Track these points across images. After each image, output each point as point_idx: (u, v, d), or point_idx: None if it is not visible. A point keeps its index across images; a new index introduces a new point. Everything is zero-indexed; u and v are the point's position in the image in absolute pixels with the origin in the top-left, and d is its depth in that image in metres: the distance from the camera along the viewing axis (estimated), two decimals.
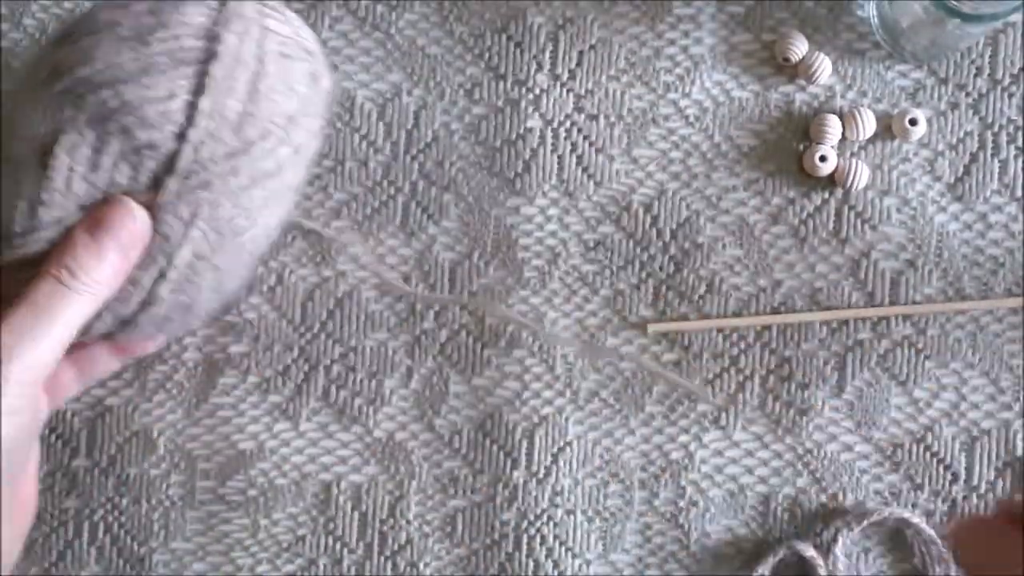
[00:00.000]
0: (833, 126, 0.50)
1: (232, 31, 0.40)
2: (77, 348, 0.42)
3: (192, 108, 0.39)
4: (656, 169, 0.51)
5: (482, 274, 0.50)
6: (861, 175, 0.50)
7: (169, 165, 0.39)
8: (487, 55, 0.51)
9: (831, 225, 0.50)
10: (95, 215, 0.39)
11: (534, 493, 0.50)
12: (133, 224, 0.39)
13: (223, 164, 0.39)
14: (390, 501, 0.50)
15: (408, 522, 0.50)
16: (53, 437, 0.50)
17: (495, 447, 0.50)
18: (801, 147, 0.51)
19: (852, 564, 0.50)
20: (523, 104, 0.50)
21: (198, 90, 0.39)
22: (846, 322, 0.50)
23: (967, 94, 0.51)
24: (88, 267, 0.38)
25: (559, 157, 0.50)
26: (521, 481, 0.50)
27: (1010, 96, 0.51)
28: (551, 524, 0.50)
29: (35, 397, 0.39)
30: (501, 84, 0.51)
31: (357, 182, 0.50)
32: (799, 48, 0.50)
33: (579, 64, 0.51)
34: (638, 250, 0.50)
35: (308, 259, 0.50)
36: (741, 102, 0.51)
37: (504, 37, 0.51)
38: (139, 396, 0.50)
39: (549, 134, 0.50)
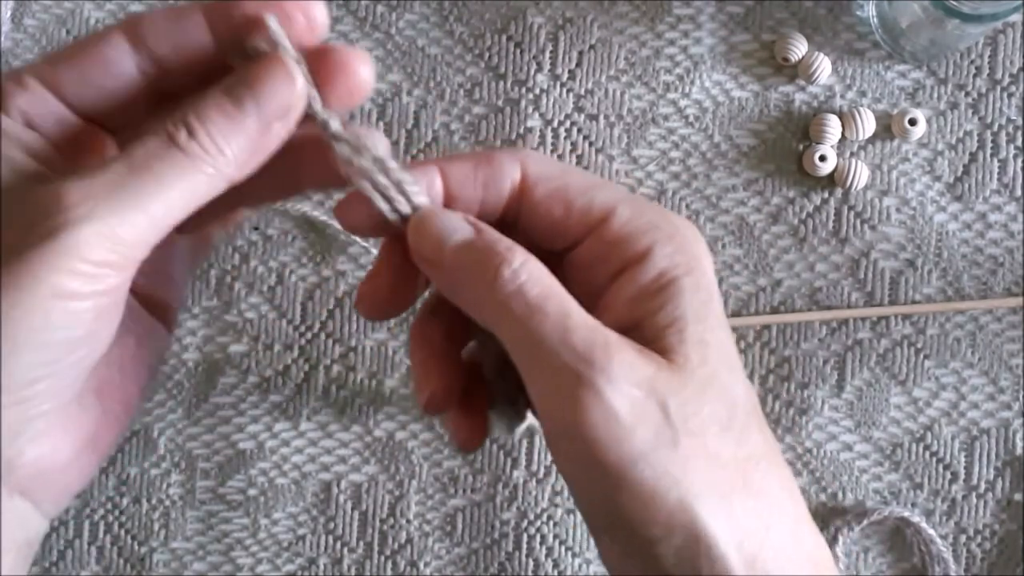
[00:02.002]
0: (833, 126, 0.50)
1: None
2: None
3: None
4: (656, 169, 0.51)
5: None
6: (861, 175, 0.50)
7: None
8: (487, 55, 0.51)
9: (831, 225, 0.50)
10: (241, 72, 0.30)
11: (534, 493, 0.50)
12: (290, 91, 0.30)
13: None
14: (390, 500, 0.50)
15: (408, 521, 0.50)
16: None
17: (495, 447, 0.50)
18: (801, 147, 0.51)
19: (852, 563, 0.50)
20: (523, 104, 0.50)
21: None
22: (846, 322, 0.50)
23: (966, 94, 0.51)
24: (217, 132, 0.29)
25: (559, 157, 0.50)
26: (521, 481, 0.50)
27: (1009, 96, 0.51)
28: (551, 523, 0.50)
29: (112, 283, 0.28)
30: (501, 84, 0.51)
31: None
32: (799, 48, 0.50)
33: (579, 64, 0.51)
34: None
35: (308, 259, 0.50)
36: (741, 102, 0.51)
37: (504, 37, 0.51)
38: None
39: (549, 134, 0.50)
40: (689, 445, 0.30)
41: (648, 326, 0.31)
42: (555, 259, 0.33)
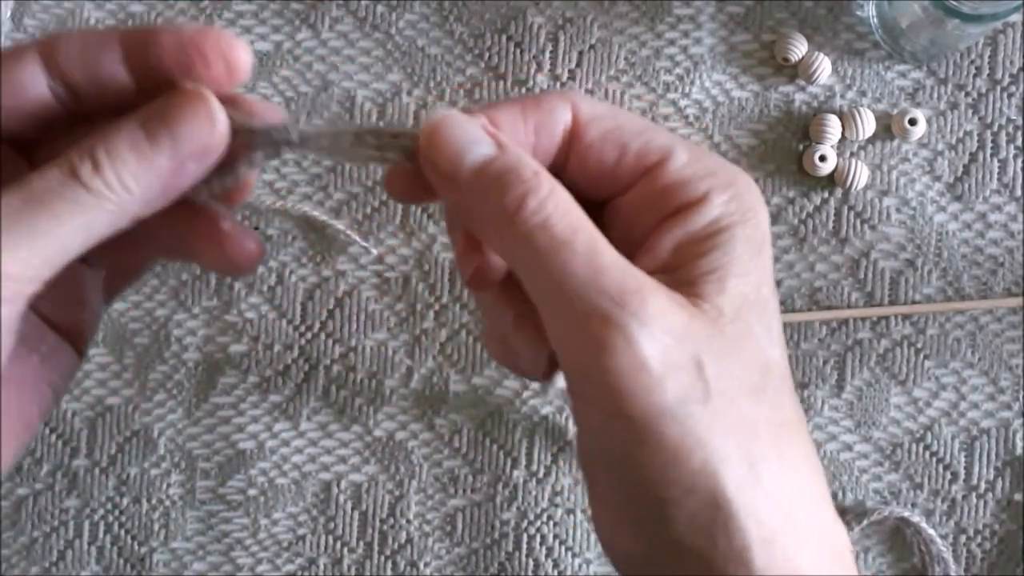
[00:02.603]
0: (833, 126, 0.50)
1: None
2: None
3: None
4: None
5: None
6: (860, 175, 0.50)
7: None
8: (487, 55, 0.51)
9: (831, 225, 0.50)
10: (159, 105, 0.28)
11: (534, 493, 0.50)
12: (211, 132, 0.28)
13: None
14: (390, 500, 0.50)
15: (408, 521, 0.50)
16: (53, 436, 0.50)
17: (495, 447, 0.50)
18: (801, 147, 0.51)
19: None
20: None
21: None
22: (846, 321, 0.50)
23: (966, 94, 0.51)
24: (125, 169, 0.27)
25: None
26: (521, 481, 0.50)
27: (1009, 96, 0.51)
28: (551, 523, 0.50)
29: (6, 318, 0.27)
30: (501, 84, 0.51)
31: (357, 182, 0.50)
32: (799, 48, 0.50)
33: (579, 64, 0.51)
34: None
35: (308, 259, 0.50)
36: (741, 102, 0.51)
37: (504, 37, 0.51)
38: (139, 396, 0.50)
39: None
40: (720, 404, 0.28)
41: (689, 270, 0.29)
42: (594, 209, 0.31)
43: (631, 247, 0.30)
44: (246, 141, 0.29)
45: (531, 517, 0.50)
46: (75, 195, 0.27)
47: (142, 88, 0.29)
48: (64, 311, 0.33)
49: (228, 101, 0.29)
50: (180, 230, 0.31)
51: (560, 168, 0.31)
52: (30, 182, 0.27)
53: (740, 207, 0.30)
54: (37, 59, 0.29)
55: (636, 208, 0.31)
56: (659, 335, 0.27)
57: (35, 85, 0.29)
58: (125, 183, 0.27)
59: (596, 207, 0.32)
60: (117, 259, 0.33)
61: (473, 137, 0.29)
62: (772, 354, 0.30)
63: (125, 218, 0.28)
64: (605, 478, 0.30)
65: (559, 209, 0.28)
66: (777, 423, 0.29)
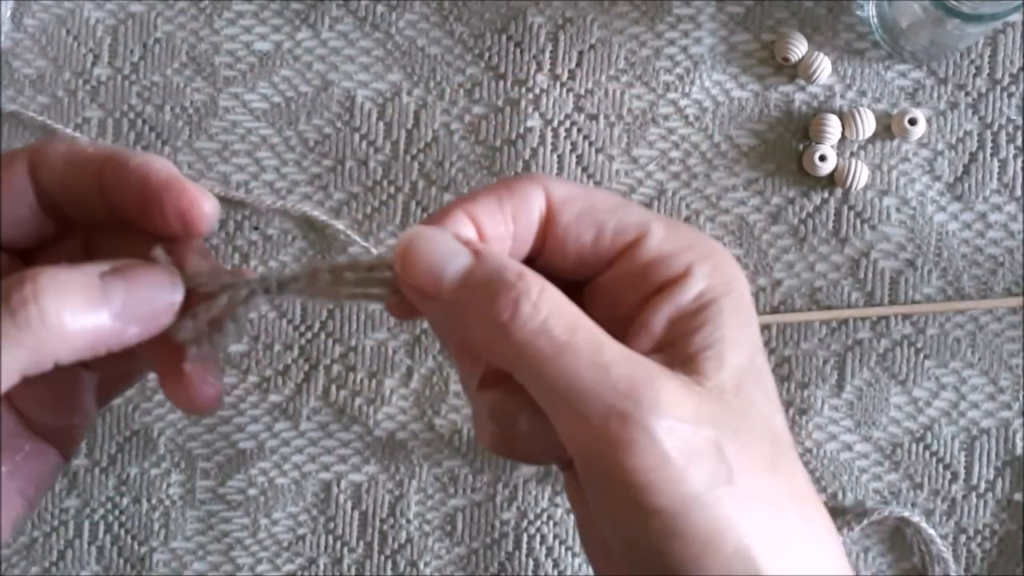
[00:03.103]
0: (833, 126, 0.50)
1: None
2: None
3: None
4: (656, 169, 0.51)
5: None
6: (860, 175, 0.50)
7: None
8: (487, 55, 0.51)
9: (831, 225, 0.50)
10: (125, 264, 0.28)
11: (534, 493, 0.50)
12: (161, 301, 0.28)
13: None
14: (390, 500, 0.50)
15: (408, 521, 0.50)
16: None
17: None
18: (801, 147, 0.51)
19: (852, 563, 0.50)
20: (523, 104, 0.50)
21: None
22: (845, 321, 0.50)
23: (966, 94, 0.51)
24: (67, 308, 0.26)
25: (559, 157, 0.50)
26: (521, 481, 0.50)
27: (1009, 96, 0.51)
28: (551, 523, 0.50)
29: None
30: (501, 84, 0.51)
31: (357, 182, 0.50)
32: (799, 48, 0.50)
33: (579, 64, 0.51)
34: None
35: (308, 258, 0.50)
36: (741, 102, 0.51)
37: (504, 37, 0.51)
38: (139, 395, 0.50)
39: (549, 134, 0.50)
40: (744, 482, 0.27)
41: (685, 346, 0.29)
42: (574, 289, 0.31)
43: (617, 326, 0.29)
44: (226, 298, 0.29)
45: (531, 517, 0.50)
46: (3, 327, 0.26)
47: (117, 211, 0.29)
48: (55, 414, 0.32)
49: (204, 256, 0.29)
50: (147, 358, 0.31)
51: (537, 253, 0.31)
52: None
53: (723, 278, 0.30)
54: (26, 170, 0.29)
55: (618, 287, 0.30)
56: (677, 425, 0.26)
57: (25, 195, 0.29)
58: (61, 327, 0.26)
59: (575, 288, 0.31)
60: (113, 366, 0.32)
61: (447, 249, 0.28)
62: (776, 422, 0.30)
63: (42, 364, 0.27)
64: (627, 569, 0.29)
65: (554, 309, 0.27)
66: (796, 494, 0.29)
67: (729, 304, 0.29)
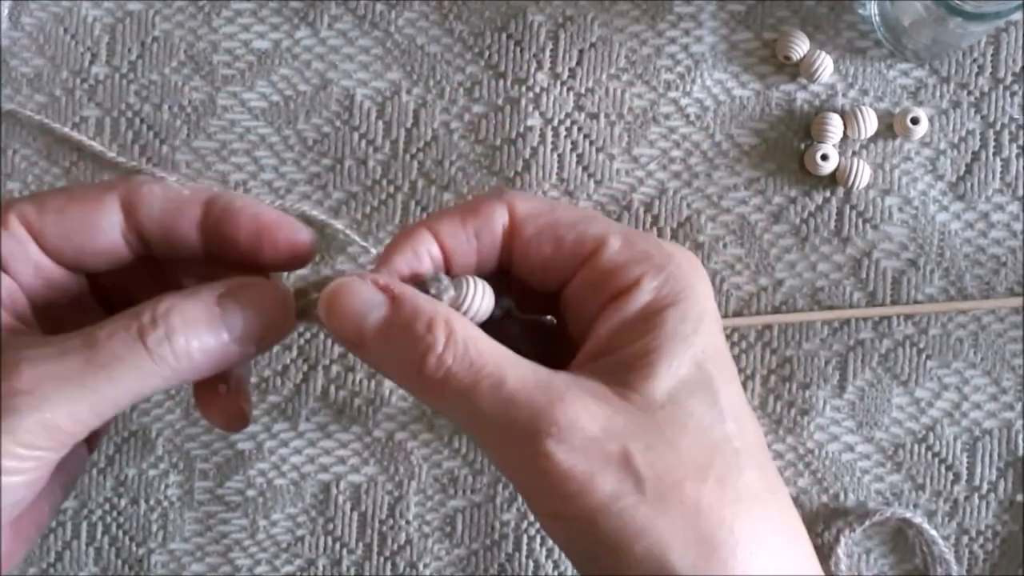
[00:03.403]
0: (834, 125, 0.49)
1: None
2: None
3: None
4: (657, 168, 0.50)
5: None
6: (863, 174, 0.50)
7: None
8: (487, 53, 0.50)
9: (832, 224, 0.50)
10: (237, 284, 0.30)
11: None
12: (276, 316, 0.30)
13: None
14: (389, 501, 0.50)
15: (408, 522, 0.50)
16: None
17: None
18: (802, 146, 0.50)
19: (854, 564, 0.50)
20: (523, 103, 0.50)
21: None
22: (847, 322, 0.50)
23: (969, 93, 0.51)
24: (195, 342, 0.29)
25: (559, 156, 0.50)
26: None
27: (1012, 95, 0.51)
28: None
29: (44, 465, 0.29)
30: (501, 83, 0.50)
31: (356, 181, 0.50)
32: (800, 46, 0.50)
33: (579, 63, 0.50)
34: None
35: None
36: (742, 101, 0.50)
37: (504, 35, 0.50)
38: None
39: (549, 133, 0.50)
40: (658, 490, 0.28)
41: (620, 356, 0.31)
42: (551, 300, 0.33)
43: (582, 333, 0.32)
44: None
45: (531, 518, 0.50)
46: (137, 359, 0.28)
47: (210, 251, 0.32)
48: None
49: None
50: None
51: (507, 264, 0.33)
52: (95, 340, 0.28)
53: (673, 288, 0.31)
54: (117, 205, 0.31)
55: (580, 296, 0.32)
56: (578, 442, 0.28)
57: (111, 230, 0.31)
58: (190, 353, 0.28)
59: (552, 296, 0.33)
60: None
61: (367, 300, 0.29)
62: (723, 429, 0.30)
63: (175, 383, 0.29)
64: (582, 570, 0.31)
65: (458, 357, 0.29)
66: (732, 500, 0.29)
67: (675, 315, 0.31)
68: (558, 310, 0.33)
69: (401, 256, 0.31)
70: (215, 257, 0.32)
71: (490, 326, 0.32)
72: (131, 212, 0.31)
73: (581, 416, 0.29)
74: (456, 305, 0.31)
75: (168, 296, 0.29)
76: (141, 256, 0.33)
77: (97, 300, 0.35)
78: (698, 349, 0.31)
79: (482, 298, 0.32)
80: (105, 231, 0.31)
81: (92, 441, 0.36)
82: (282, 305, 0.30)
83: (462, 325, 0.30)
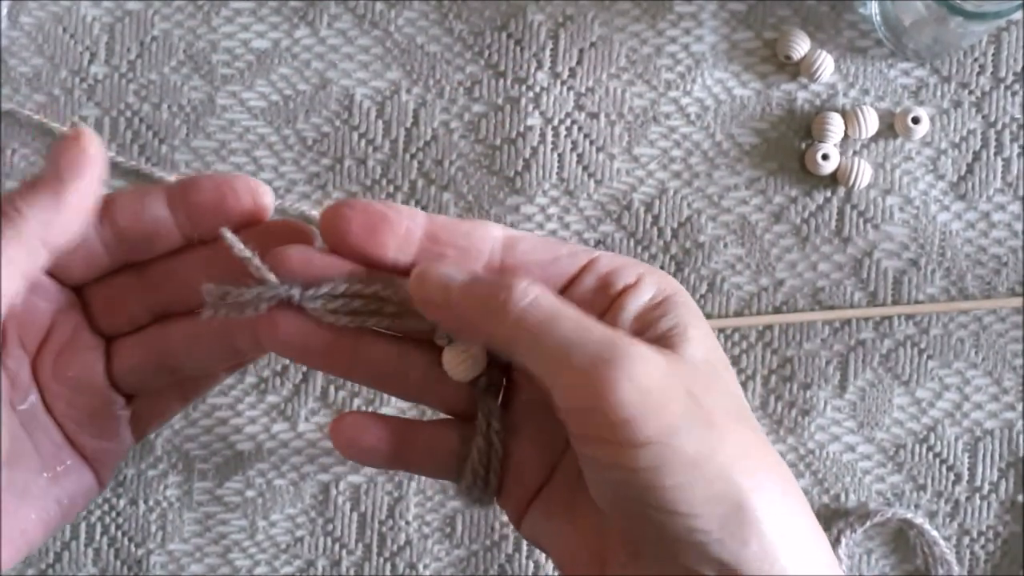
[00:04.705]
0: (835, 124, 0.49)
1: None
2: None
3: None
4: (657, 168, 0.50)
5: None
6: (863, 174, 0.49)
7: None
8: (487, 53, 0.50)
9: (833, 224, 0.50)
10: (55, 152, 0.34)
11: None
12: (75, 149, 0.33)
13: None
14: (389, 502, 0.50)
15: (407, 523, 0.50)
16: None
17: None
18: (803, 145, 0.50)
19: (855, 565, 0.50)
20: (523, 102, 0.50)
21: None
22: (848, 322, 0.50)
23: (970, 92, 0.50)
24: (26, 195, 0.33)
25: (559, 155, 0.50)
26: None
27: (1013, 94, 0.50)
28: None
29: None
30: (501, 82, 0.50)
31: (356, 181, 0.50)
32: (801, 46, 0.50)
33: (579, 62, 0.50)
34: (639, 249, 0.50)
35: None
36: (743, 100, 0.50)
37: (504, 35, 0.50)
38: None
39: (549, 132, 0.50)
40: (720, 424, 0.31)
41: (652, 332, 0.33)
42: None
43: None
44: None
45: None
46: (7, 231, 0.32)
47: (185, 235, 0.35)
48: (92, 434, 0.37)
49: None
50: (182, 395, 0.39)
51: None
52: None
53: (668, 284, 0.34)
54: (95, 212, 0.34)
55: (587, 298, 0.34)
56: (651, 369, 0.30)
57: (88, 237, 0.35)
58: (23, 204, 0.32)
59: None
60: (148, 399, 0.38)
61: (452, 271, 0.33)
62: (737, 390, 0.34)
63: (34, 250, 0.33)
64: (628, 516, 0.31)
65: (541, 292, 0.32)
66: (763, 445, 0.32)
67: (681, 300, 0.34)
68: None
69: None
70: (195, 243, 0.36)
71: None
72: (106, 212, 0.35)
73: (648, 352, 0.30)
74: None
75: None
76: (124, 264, 0.36)
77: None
78: (706, 329, 0.34)
79: (477, 357, 0.35)
80: (85, 241, 0.34)
81: (101, 473, 0.38)
82: (77, 138, 0.33)
83: (539, 283, 0.33)
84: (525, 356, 0.31)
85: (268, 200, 0.35)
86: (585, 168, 0.50)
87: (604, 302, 0.34)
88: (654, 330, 0.33)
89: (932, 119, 0.50)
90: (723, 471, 0.30)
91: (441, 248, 0.34)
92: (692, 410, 0.30)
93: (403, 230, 0.34)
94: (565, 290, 0.34)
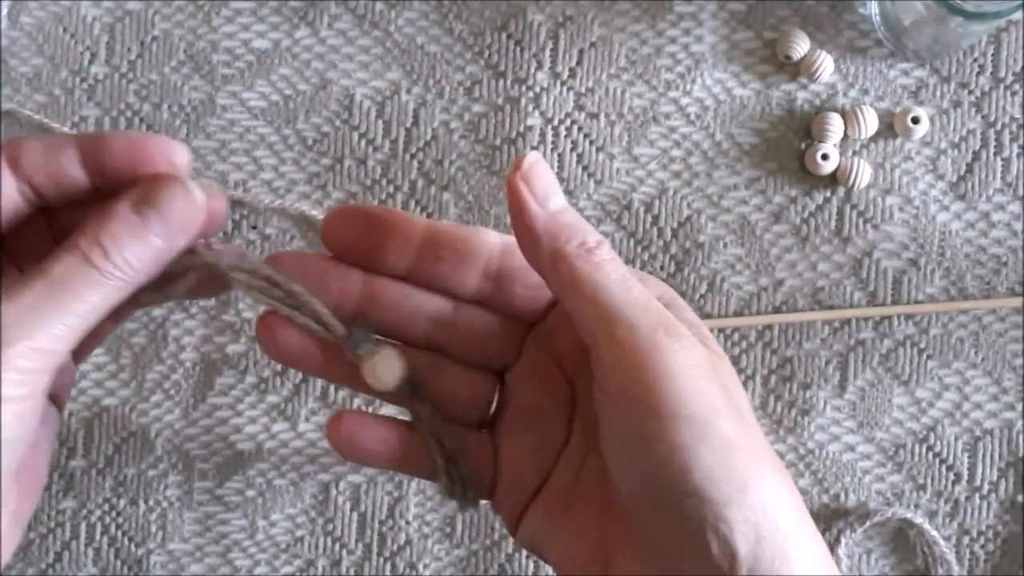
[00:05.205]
0: (835, 124, 0.49)
1: None
2: None
3: None
4: (657, 168, 0.50)
5: None
6: (863, 174, 0.49)
7: None
8: (487, 53, 0.50)
9: (833, 224, 0.50)
10: (144, 189, 0.33)
11: None
12: (188, 206, 0.33)
13: None
14: (389, 502, 0.50)
15: (407, 523, 0.50)
16: None
17: None
18: (803, 145, 0.50)
19: (855, 565, 0.50)
20: (523, 102, 0.50)
21: None
22: (848, 321, 0.50)
23: (969, 92, 0.51)
24: (129, 251, 0.32)
25: (559, 155, 0.50)
26: None
27: (1013, 94, 0.50)
28: None
29: (39, 386, 0.33)
30: (501, 82, 0.50)
31: (356, 180, 0.50)
32: (801, 46, 0.50)
33: (579, 62, 0.50)
34: (639, 249, 0.50)
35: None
36: (742, 100, 0.50)
37: (504, 35, 0.50)
38: (136, 396, 0.50)
39: (549, 132, 0.50)
40: (748, 419, 0.31)
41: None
42: (518, 335, 0.36)
43: (585, 345, 0.33)
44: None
45: None
46: (91, 277, 0.32)
47: (96, 186, 0.34)
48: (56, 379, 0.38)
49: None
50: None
51: (493, 288, 0.35)
52: (49, 270, 0.32)
53: (667, 292, 0.35)
54: (6, 163, 0.34)
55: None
56: (699, 353, 0.31)
57: (7, 188, 0.34)
58: (130, 262, 0.32)
59: (530, 328, 0.36)
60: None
61: (554, 187, 0.33)
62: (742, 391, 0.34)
63: (131, 289, 0.33)
64: (661, 495, 0.31)
65: (614, 255, 0.32)
66: (768, 446, 0.33)
67: (683, 305, 0.34)
68: (532, 338, 0.35)
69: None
70: (107, 195, 0.35)
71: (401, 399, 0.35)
72: (15, 166, 0.34)
73: (695, 340, 0.31)
74: (362, 357, 0.34)
75: (91, 218, 0.33)
76: (42, 211, 0.35)
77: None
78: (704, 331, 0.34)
79: (392, 365, 0.34)
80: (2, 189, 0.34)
81: (60, 403, 0.39)
82: (186, 192, 0.33)
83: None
84: (585, 303, 0.32)
85: (182, 159, 0.34)
86: (585, 168, 0.50)
87: None
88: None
89: (932, 119, 0.50)
90: (752, 461, 0.30)
91: (439, 252, 0.34)
92: (727, 400, 0.31)
93: (402, 235, 0.34)
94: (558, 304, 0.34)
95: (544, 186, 0.32)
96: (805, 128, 0.50)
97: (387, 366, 0.34)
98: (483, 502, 0.37)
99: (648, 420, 0.30)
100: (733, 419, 0.31)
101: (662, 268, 0.50)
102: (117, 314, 0.38)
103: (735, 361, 0.50)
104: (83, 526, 0.50)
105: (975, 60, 0.50)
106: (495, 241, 0.34)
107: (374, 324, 0.35)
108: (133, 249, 0.32)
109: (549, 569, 0.50)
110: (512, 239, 0.34)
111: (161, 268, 0.34)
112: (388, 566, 0.50)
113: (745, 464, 0.30)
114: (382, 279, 0.35)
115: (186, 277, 0.34)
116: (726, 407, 0.31)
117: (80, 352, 0.39)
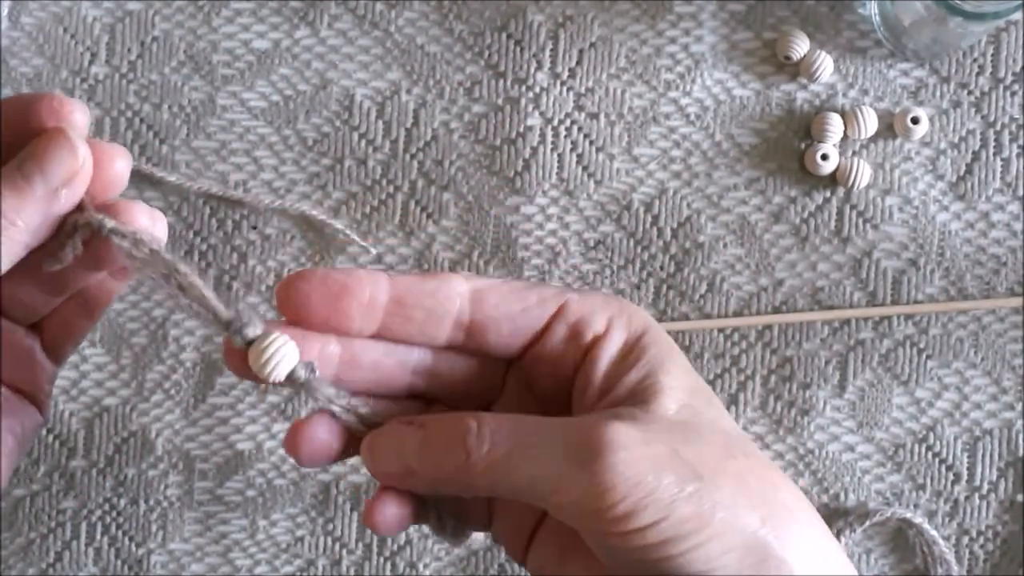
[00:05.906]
0: (835, 124, 0.49)
1: None
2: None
3: None
4: (657, 168, 0.50)
5: (482, 273, 0.50)
6: (863, 174, 0.49)
7: None
8: (487, 53, 0.50)
9: (833, 224, 0.50)
10: (29, 147, 0.33)
11: None
12: (68, 158, 0.33)
13: None
14: None
15: None
16: (50, 437, 0.50)
17: None
18: (803, 146, 0.50)
19: (854, 565, 0.50)
20: (523, 102, 0.50)
21: None
22: (848, 322, 0.50)
23: (969, 92, 0.51)
24: (9, 207, 0.32)
25: (559, 156, 0.50)
26: None
27: (1012, 95, 0.50)
28: None
29: None
30: (501, 82, 0.50)
31: (356, 181, 0.50)
32: (800, 46, 0.50)
33: (579, 62, 0.50)
34: (639, 249, 0.50)
35: (307, 259, 0.50)
36: (742, 100, 0.50)
37: (504, 35, 0.50)
38: (137, 396, 0.50)
39: (549, 133, 0.50)
40: (710, 473, 0.31)
41: (623, 386, 0.33)
42: (508, 367, 0.35)
43: (562, 385, 0.34)
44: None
45: None
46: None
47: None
48: (21, 373, 0.38)
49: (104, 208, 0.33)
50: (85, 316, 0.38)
51: (462, 337, 0.34)
52: None
53: (637, 322, 0.34)
54: None
55: (557, 350, 0.34)
56: (633, 452, 0.30)
57: None
58: (9, 218, 0.32)
59: (509, 364, 0.35)
60: (54, 324, 0.38)
61: (400, 435, 0.32)
62: (725, 424, 0.33)
63: (22, 248, 0.33)
64: None
65: (494, 428, 0.31)
66: (760, 466, 0.32)
67: (649, 339, 0.33)
68: (511, 378, 0.35)
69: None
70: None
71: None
72: None
73: (622, 431, 0.30)
74: (257, 349, 0.32)
75: None
76: None
77: None
78: (682, 361, 0.34)
79: (285, 351, 0.32)
80: None
81: (40, 403, 0.38)
82: (69, 144, 0.32)
83: (489, 416, 0.32)
84: (512, 497, 0.31)
85: (78, 117, 0.33)
86: (585, 168, 0.50)
87: (577, 354, 0.34)
88: (625, 385, 0.33)
89: (931, 119, 0.50)
90: (728, 520, 0.30)
91: (408, 312, 0.33)
92: (682, 475, 0.30)
93: (366, 298, 0.32)
94: (537, 342, 0.34)
95: (391, 452, 0.33)
96: (805, 128, 0.50)
97: (278, 353, 0.32)
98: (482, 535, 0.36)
99: (610, 540, 0.30)
100: (693, 493, 0.30)
101: (662, 268, 0.50)
102: (87, 311, 0.38)
103: (735, 361, 0.50)
104: (83, 526, 0.50)
105: (975, 60, 0.51)
106: (463, 290, 0.33)
107: (358, 385, 0.34)
108: (13, 204, 0.32)
109: None
110: (480, 284, 0.33)
111: (49, 225, 0.33)
112: (388, 566, 0.50)
113: (723, 528, 0.30)
114: (358, 340, 0.33)
115: (74, 238, 0.33)
116: (680, 486, 0.30)
117: (57, 353, 0.39)
